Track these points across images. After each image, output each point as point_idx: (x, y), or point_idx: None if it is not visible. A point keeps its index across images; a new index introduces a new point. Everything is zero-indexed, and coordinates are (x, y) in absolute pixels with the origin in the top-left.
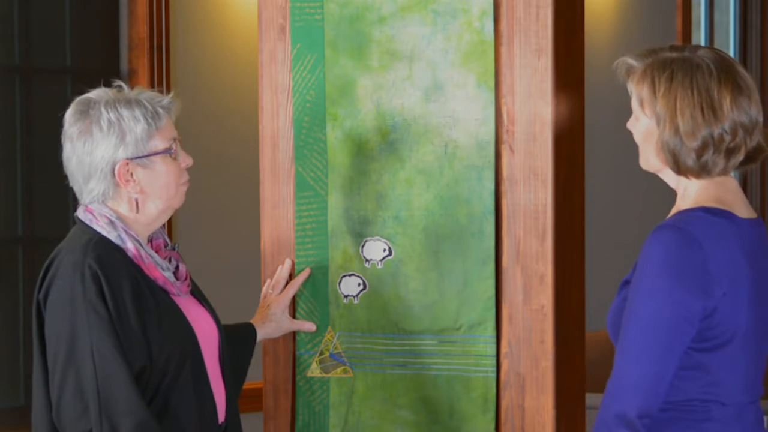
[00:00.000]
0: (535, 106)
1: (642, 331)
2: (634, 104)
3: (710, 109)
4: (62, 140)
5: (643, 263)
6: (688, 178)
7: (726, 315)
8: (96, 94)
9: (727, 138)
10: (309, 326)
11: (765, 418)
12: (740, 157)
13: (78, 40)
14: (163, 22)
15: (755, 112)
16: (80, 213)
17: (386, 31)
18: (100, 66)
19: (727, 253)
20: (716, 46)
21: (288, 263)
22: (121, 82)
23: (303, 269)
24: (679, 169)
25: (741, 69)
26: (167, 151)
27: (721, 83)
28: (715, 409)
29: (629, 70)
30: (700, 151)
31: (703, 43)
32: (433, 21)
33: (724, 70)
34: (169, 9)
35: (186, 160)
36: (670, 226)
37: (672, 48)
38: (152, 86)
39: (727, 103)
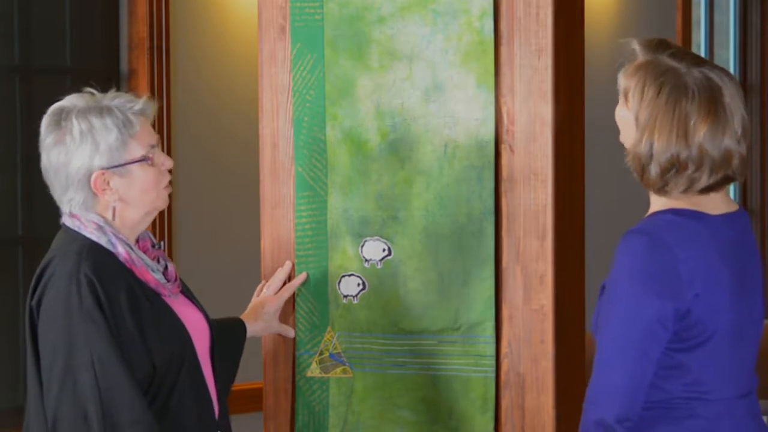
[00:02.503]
0: (535, 106)
1: (616, 337)
2: (620, 92)
3: (683, 137)
4: (40, 150)
5: (615, 269)
6: (648, 191)
7: (702, 315)
8: (69, 101)
9: (691, 167)
10: (290, 333)
11: None
12: (700, 185)
13: (78, 40)
14: (163, 22)
15: (729, 141)
16: (66, 220)
17: (386, 31)
18: (100, 66)
19: (699, 254)
20: (716, 46)
21: (288, 265)
22: (92, 90)
23: (303, 269)
24: (643, 180)
25: (728, 95)
26: (144, 160)
27: (701, 112)
28: (699, 407)
29: (629, 56)
30: (665, 170)
31: (703, 43)
32: (433, 21)
33: (707, 98)
34: (169, 9)
35: (166, 163)
36: (638, 231)
37: (673, 55)
38: (152, 86)
39: (701, 134)
